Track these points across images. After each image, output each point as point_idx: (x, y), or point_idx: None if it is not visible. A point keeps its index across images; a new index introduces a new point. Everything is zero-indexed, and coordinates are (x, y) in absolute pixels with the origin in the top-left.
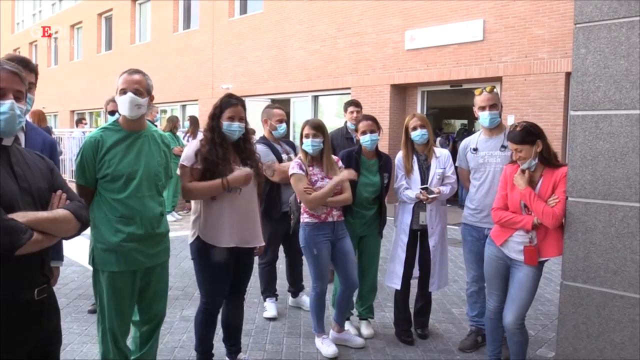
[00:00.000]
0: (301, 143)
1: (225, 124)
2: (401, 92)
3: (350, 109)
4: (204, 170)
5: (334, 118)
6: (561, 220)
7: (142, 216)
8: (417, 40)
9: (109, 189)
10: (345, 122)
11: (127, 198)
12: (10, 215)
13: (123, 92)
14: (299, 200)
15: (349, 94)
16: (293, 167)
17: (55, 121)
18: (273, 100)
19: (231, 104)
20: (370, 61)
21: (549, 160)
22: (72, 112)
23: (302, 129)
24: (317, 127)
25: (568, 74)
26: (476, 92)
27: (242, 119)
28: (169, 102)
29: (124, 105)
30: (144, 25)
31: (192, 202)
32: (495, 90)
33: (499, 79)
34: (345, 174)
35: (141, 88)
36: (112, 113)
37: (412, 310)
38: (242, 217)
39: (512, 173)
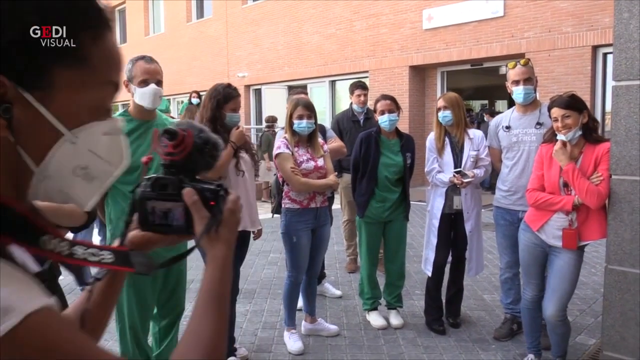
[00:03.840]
0: (291, 123)
1: (228, 115)
2: (420, 73)
3: (357, 91)
4: None
5: None
6: (605, 200)
7: None
8: (435, 20)
9: (124, 182)
10: (351, 104)
11: None
12: None
13: (145, 82)
14: (281, 182)
15: (367, 77)
16: (279, 146)
17: None
18: (290, 87)
19: (233, 95)
20: (387, 43)
21: (593, 132)
22: None
23: (293, 109)
24: (311, 108)
25: (594, 48)
26: (509, 65)
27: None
28: (185, 92)
29: (147, 97)
30: (157, 16)
31: None
32: (529, 63)
33: (521, 56)
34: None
35: (161, 78)
36: None
37: (443, 298)
38: (245, 201)
39: (548, 152)
